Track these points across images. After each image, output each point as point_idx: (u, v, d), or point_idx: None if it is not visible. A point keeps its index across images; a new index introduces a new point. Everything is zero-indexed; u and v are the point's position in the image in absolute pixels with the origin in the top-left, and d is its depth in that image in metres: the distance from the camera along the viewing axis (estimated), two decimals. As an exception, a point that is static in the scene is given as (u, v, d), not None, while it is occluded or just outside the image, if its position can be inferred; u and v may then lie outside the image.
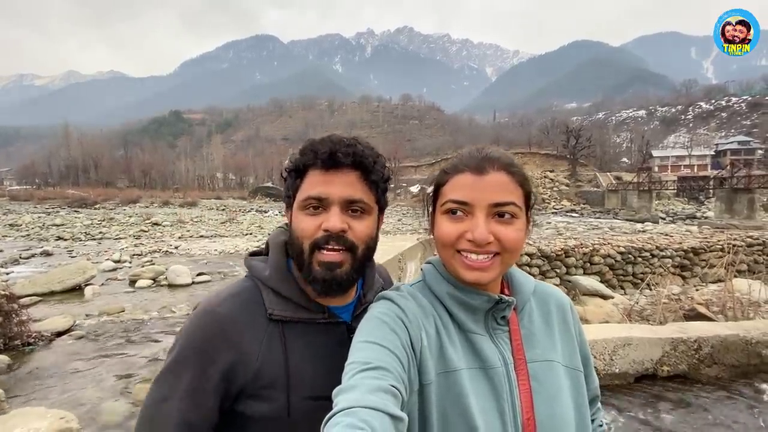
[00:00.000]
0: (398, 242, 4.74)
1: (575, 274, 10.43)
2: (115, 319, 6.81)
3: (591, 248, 11.06)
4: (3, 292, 5.49)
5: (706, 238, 12.86)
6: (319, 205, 0.76)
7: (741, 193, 29.02)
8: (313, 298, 0.80)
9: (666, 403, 2.86)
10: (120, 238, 20.03)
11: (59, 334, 5.77)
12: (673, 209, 42.20)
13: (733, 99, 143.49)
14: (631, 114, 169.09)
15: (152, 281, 9.82)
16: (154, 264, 11.99)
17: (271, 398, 0.73)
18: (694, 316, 4.26)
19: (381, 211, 0.86)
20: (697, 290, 6.20)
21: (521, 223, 0.73)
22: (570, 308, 0.86)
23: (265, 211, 40.91)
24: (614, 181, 53.08)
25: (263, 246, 0.88)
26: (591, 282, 9.05)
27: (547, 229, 24.60)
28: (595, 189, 53.50)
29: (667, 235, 15.27)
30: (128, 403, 3.75)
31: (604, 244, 11.49)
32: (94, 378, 4.41)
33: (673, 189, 44.94)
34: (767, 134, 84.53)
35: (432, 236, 0.81)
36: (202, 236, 21.29)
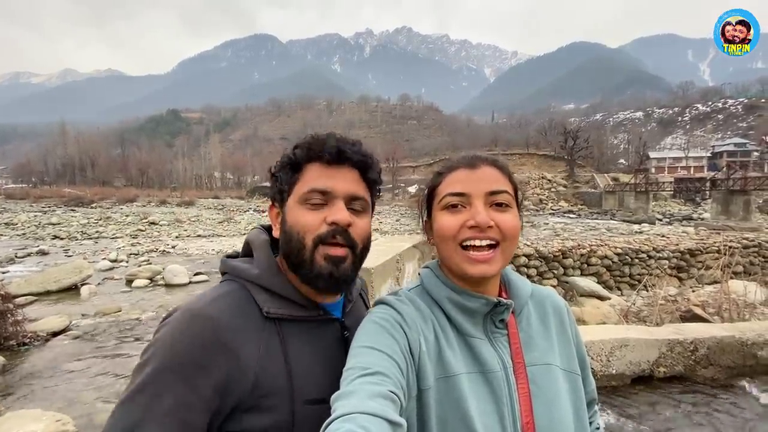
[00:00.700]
0: (396, 243, 4.74)
1: (573, 275, 10.47)
2: (112, 319, 6.78)
3: (588, 249, 11.10)
4: (-2, 292, 5.45)
5: (702, 239, 12.94)
6: (322, 199, 0.73)
7: (737, 194, 29.16)
8: (305, 295, 0.76)
9: (662, 405, 2.87)
10: (117, 238, 19.94)
11: (55, 334, 5.74)
12: (669, 210, 42.39)
13: (730, 101, 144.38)
14: (628, 115, 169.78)
15: (149, 281, 9.78)
16: (151, 263, 11.94)
17: (272, 408, 0.67)
18: (690, 317, 4.28)
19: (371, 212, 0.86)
20: (693, 291, 6.22)
21: (516, 212, 0.76)
22: (567, 311, 0.87)
23: (263, 211, 40.84)
24: (611, 183, 53.22)
25: (239, 249, 0.83)
26: (588, 283, 9.07)
27: (544, 229, 24.66)
28: (593, 190, 53.65)
29: (663, 236, 15.33)
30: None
31: (602, 245, 11.54)
32: (90, 378, 4.38)
33: (670, 190, 45.16)
34: (763, 136, 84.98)
35: (430, 240, 0.82)
36: (199, 236, 21.22)
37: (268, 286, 0.73)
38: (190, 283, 9.78)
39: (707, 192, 37.96)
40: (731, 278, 5.63)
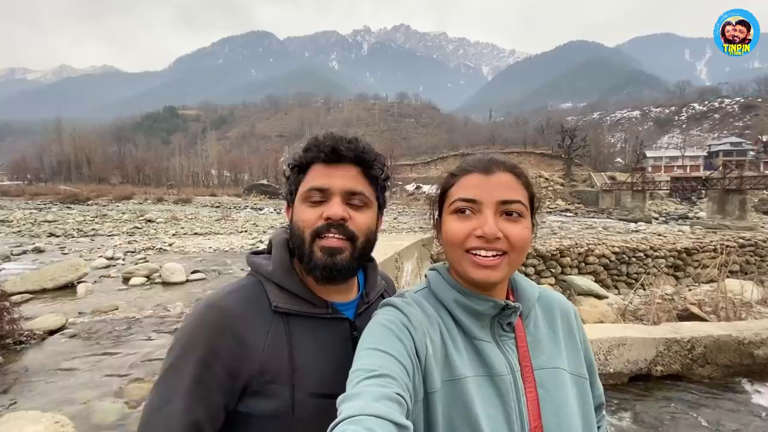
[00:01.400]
0: (395, 241, 4.74)
1: (570, 274, 10.51)
2: (109, 317, 6.74)
3: (586, 248, 11.14)
4: (-6, 290, 5.41)
5: (699, 238, 13.01)
6: (321, 196, 0.78)
7: (733, 194, 29.30)
8: (317, 294, 0.81)
9: (660, 403, 2.88)
10: (113, 235, 19.83)
11: (51, 332, 5.69)
12: (665, 209, 42.62)
13: (726, 101, 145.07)
14: (625, 114, 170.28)
15: (146, 279, 9.73)
16: (147, 261, 11.88)
17: (275, 394, 0.72)
18: (687, 316, 4.30)
19: (380, 209, 0.87)
20: (690, 290, 6.25)
21: (528, 222, 0.74)
22: (574, 315, 0.86)
23: (260, 209, 40.72)
24: (608, 181, 53.38)
25: (266, 245, 0.89)
26: (586, 282, 9.11)
27: (542, 228, 24.29)
28: (590, 189, 53.82)
29: (660, 235, 15.41)
30: (122, 403, 3.72)
31: (599, 244, 11.58)
32: (87, 377, 4.36)
33: (666, 189, 45.31)
34: (759, 136, 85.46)
35: (439, 240, 0.81)
36: (196, 233, 21.13)
37: (280, 282, 0.79)
38: (188, 281, 9.72)
39: (703, 191, 38.13)
40: (728, 277, 5.66)
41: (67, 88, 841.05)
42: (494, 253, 0.71)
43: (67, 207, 38.45)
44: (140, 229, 22.68)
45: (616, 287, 10.95)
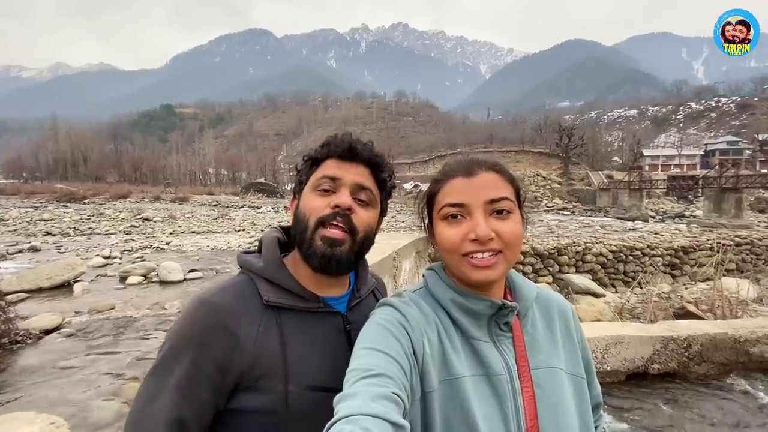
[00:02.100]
0: (393, 240, 4.74)
1: (568, 273, 10.54)
2: (105, 316, 6.71)
3: (583, 247, 11.18)
4: (-11, 289, 5.38)
5: (695, 237, 13.08)
6: (331, 186, 0.80)
7: (729, 192, 29.46)
8: (308, 288, 0.81)
9: (656, 401, 2.89)
10: (110, 234, 19.74)
11: (48, 332, 5.66)
12: (662, 208, 42.81)
13: (723, 100, 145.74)
14: (622, 113, 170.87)
15: (143, 278, 9.70)
16: (145, 260, 11.84)
17: (268, 389, 0.72)
18: (683, 314, 4.32)
19: (382, 213, 0.89)
20: (686, 289, 6.29)
21: (517, 217, 0.75)
22: (572, 314, 0.86)
23: (258, 207, 40.65)
24: (606, 180, 53.57)
25: (256, 245, 0.90)
26: (583, 280, 9.15)
27: (539, 227, 24.78)
28: (587, 187, 54.00)
29: (657, 234, 15.48)
30: (119, 403, 3.70)
31: (596, 243, 11.62)
32: (83, 377, 4.34)
33: (663, 188, 45.50)
34: (755, 135, 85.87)
35: (434, 246, 0.81)
36: (194, 232, 21.08)
37: (270, 277, 0.80)
38: (185, 280, 9.69)
39: (700, 190, 38.30)
40: (724, 275, 5.69)
41: (63, 86, 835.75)
42: (490, 253, 0.71)
43: (64, 206, 38.28)
44: (137, 227, 22.60)
45: (614, 286, 11.00)
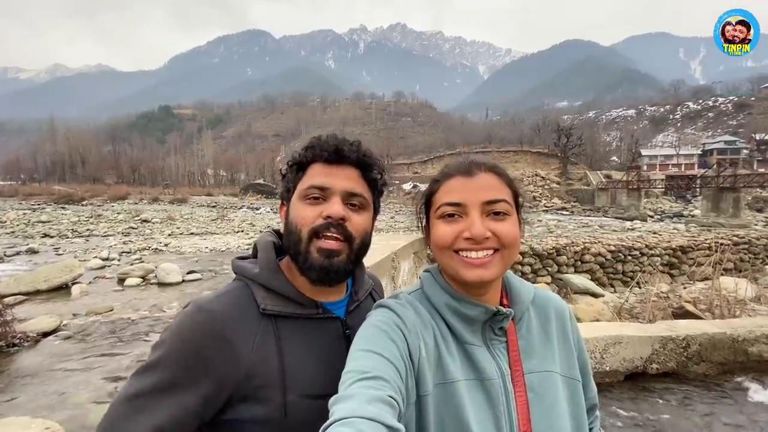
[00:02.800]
0: (392, 241, 4.73)
1: (566, 273, 10.54)
2: (104, 318, 6.69)
3: (582, 247, 11.18)
4: (-14, 292, 5.36)
5: (693, 236, 13.10)
6: (321, 194, 0.77)
7: (727, 192, 29.52)
8: (305, 294, 0.79)
9: (655, 401, 2.89)
10: (108, 236, 19.69)
11: (45, 334, 5.64)
12: (661, 207, 42.88)
13: (720, 99, 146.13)
14: (620, 113, 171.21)
15: (141, 280, 9.67)
16: (143, 262, 11.81)
17: (266, 399, 0.70)
18: (682, 314, 4.32)
19: (375, 213, 0.87)
20: (685, 288, 6.30)
21: (514, 219, 0.75)
22: (569, 316, 0.86)
23: (257, 208, 40.59)
24: (604, 180, 53.67)
25: (251, 249, 0.88)
26: (582, 280, 9.16)
27: (538, 227, 24.80)
28: (586, 187, 54.08)
29: (655, 233, 15.51)
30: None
31: (595, 243, 11.63)
32: (81, 379, 4.32)
33: (661, 188, 45.57)
34: (753, 134, 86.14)
35: (429, 245, 0.81)
36: (192, 234, 21.04)
37: (266, 283, 0.77)
38: (184, 281, 9.67)
39: (698, 189, 38.39)
40: (722, 275, 5.69)
41: (61, 88, 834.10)
42: (485, 252, 0.71)
43: (62, 207, 38.16)
44: (135, 229, 22.55)
45: (612, 285, 11.01)
